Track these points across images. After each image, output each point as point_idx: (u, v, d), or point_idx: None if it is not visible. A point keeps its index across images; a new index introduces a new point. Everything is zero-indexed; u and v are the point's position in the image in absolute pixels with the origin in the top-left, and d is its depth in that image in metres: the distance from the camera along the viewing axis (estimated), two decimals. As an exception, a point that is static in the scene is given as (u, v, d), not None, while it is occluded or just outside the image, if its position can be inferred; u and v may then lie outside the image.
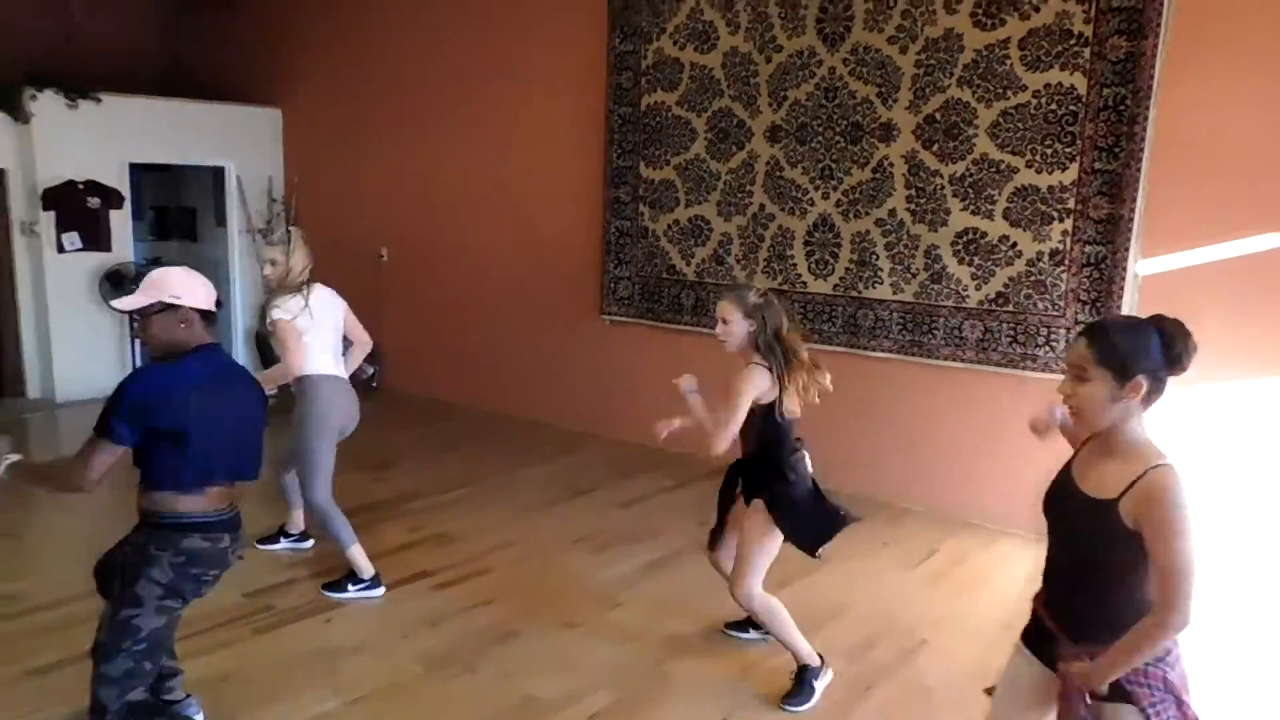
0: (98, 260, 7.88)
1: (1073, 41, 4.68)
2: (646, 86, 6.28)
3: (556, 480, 5.94)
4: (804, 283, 5.72)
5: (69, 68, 7.87)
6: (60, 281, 7.65)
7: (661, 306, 6.43)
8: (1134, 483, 1.93)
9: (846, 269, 5.55)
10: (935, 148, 5.15)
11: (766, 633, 3.65)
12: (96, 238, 7.85)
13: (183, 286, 2.73)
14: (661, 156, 6.27)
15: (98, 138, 7.73)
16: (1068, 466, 2.17)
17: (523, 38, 6.97)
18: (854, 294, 5.54)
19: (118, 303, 2.79)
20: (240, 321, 9.12)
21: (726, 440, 3.22)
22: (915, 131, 5.20)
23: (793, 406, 3.30)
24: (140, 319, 2.73)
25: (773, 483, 3.34)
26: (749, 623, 3.82)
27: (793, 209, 5.71)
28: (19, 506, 5.38)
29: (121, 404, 2.58)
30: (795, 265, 5.75)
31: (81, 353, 7.81)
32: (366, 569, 4.27)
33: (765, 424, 3.31)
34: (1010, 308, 5.00)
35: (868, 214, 5.43)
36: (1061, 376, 2.09)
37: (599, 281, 6.75)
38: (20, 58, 7.73)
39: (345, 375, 4.39)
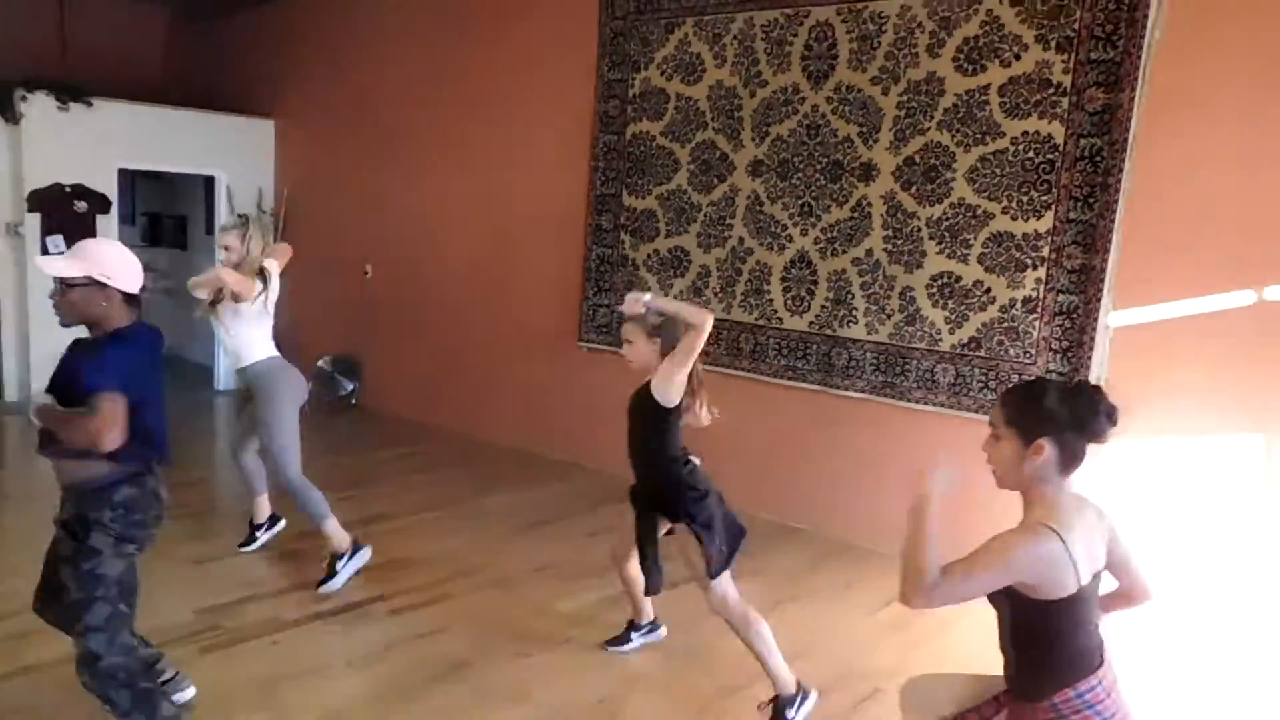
0: (82, 265, 7.86)
1: (1051, 90, 4.69)
2: (633, 115, 6.29)
3: (527, 508, 5.90)
4: (780, 319, 5.71)
5: (67, 74, 7.89)
6: (42, 284, 7.61)
7: (640, 335, 6.41)
8: None
9: (823, 307, 5.54)
10: (914, 189, 5.15)
11: (649, 631, 3.97)
12: (80, 240, 7.84)
13: (115, 266, 2.77)
14: (644, 185, 6.27)
15: (88, 142, 7.76)
16: None
17: (515, 61, 7.00)
18: (829, 332, 5.53)
19: (44, 263, 2.75)
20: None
21: (689, 344, 3.24)
22: (895, 172, 5.21)
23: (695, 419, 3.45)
24: (63, 286, 2.73)
25: (688, 504, 3.37)
26: (630, 630, 3.99)
27: (771, 244, 5.71)
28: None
29: (122, 363, 2.71)
30: (772, 301, 5.74)
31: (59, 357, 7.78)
32: (344, 540, 4.45)
33: (666, 435, 3.39)
34: (983, 353, 4.99)
35: (845, 252, 5.43)
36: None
37: (578, 308, 6.74)
38: (15, 61, 7.75)
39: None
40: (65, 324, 2.83)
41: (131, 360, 2.77)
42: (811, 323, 5.60)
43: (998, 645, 2.24)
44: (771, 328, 5.75)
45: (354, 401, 8.46)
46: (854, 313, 5.42)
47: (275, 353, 4.59)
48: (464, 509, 5.84)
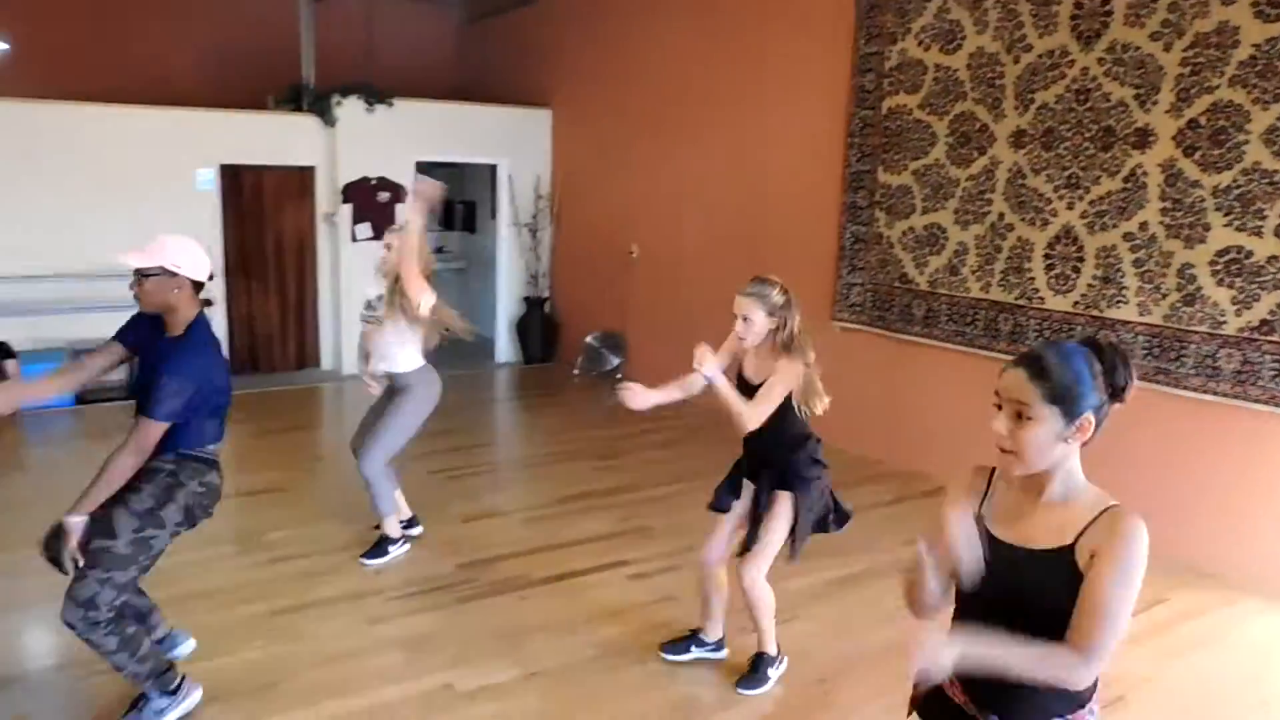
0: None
1: (1372, 36, 4.06)
2: (889, 89, 6.11)
3: (769, 484, 5.95)
4: (1041, 298, 5.36)
5: (373, 78, 8.82)
6: (352, 266, 8.61)
7: (892, 315, 6.26)
8: (1093, 521, 1.74)
9: (1089, 285, 5.14)
10: (1198, 155, 4.64)
11: (714, 649, 3.76)
12: (384, 228, 8.76)
13: (183, 257, 3.00)
14: (900, 161, 6.08)
15: (389, 138, 8.63)
16: (978, 514, 1.88)
17: (770, 40, 7.00)
18: (1095, 313, 5.12)
19: (124, 257, 2.97)
20: (503, 310, 9.82)
21: (758, 422, 3.23)
22: (1175, 137, 4.72)
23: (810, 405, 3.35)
24: (138, 277, 2.98)
25: (801, 473, 3.37)
26: (692, 640, 3.79)
27: (1034, 219, 5.36)
28: (288, 465, 6.18)
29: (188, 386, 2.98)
30: (1033, 279, 5.39)
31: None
32: (396, 531, 4.69)
33: (789, 417, 3.33)
34: (1276, 337, 4.43)
35: (1115, 227, 5.00)
36: None
37: (832, 287, 6.67)
38: (332, 71, 8.76)
39: None
40: (144, 310, 3.07)
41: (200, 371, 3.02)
42: (1076, 303, 5.21)
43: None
44: (1032, 308, 5.41)
45: (619, 376, 8.86)
46: (1124, 292, 4.99)
47: (423, 361, 4.60)
48: (707, 483, 5.95)
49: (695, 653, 3.78)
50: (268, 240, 8.63)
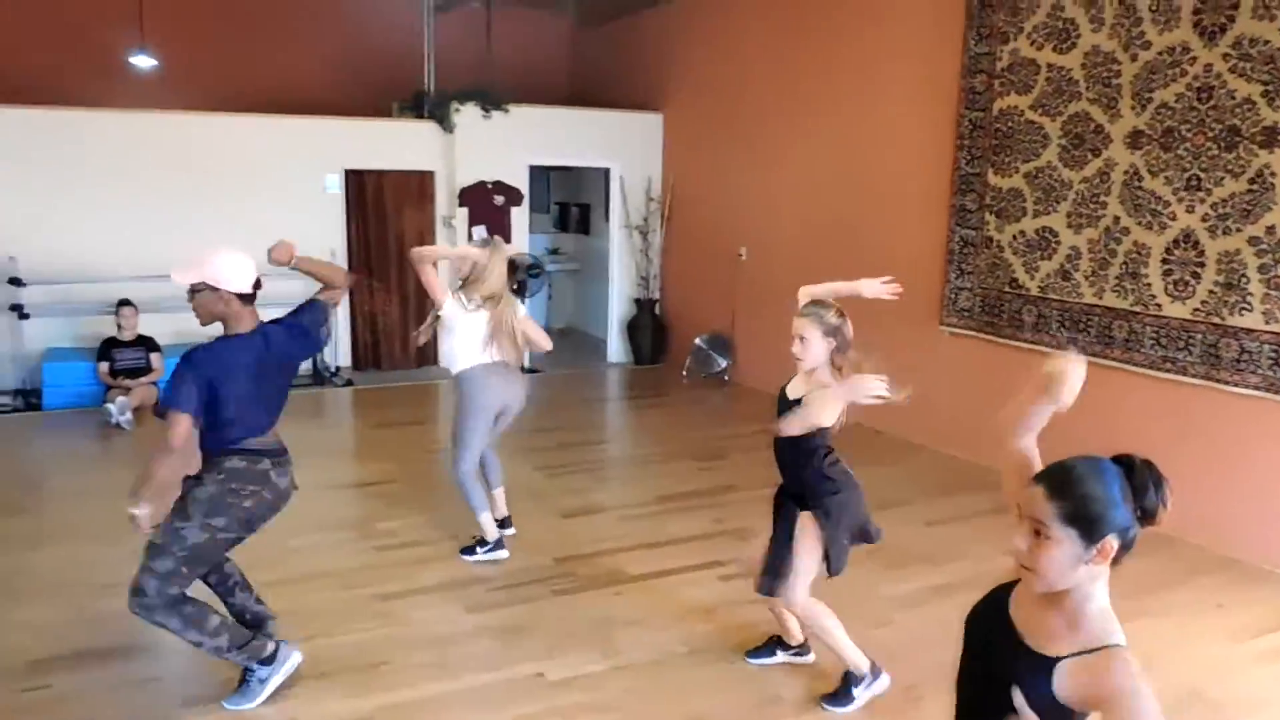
0: (499, 251, 9.08)
1: None
2: (1000, 90, 5.98)
3: (870, 489, 5.85)
4: (1158, 304, 5.17)
5: (490, 85, 9.10)
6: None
7: (1002, 321, 6.13)
8: (1083, 654, 1.63)
9: (1210, 292, 4.93)
10: (1330, 156, 4.41)
11: (797, 652, 3.75)
12: (499, 231, 9.04)
13: (222, 272, 3.13)
14: (1011, 163, 5.95)
15: (505, 143, 8.90)
16: (1005, 590, 1.84)
17: (879, 40, 6.95)
18: (1216, 320, 4.91)
19: (173, 273, 3.18)
20: (615, 311, 9.99)
21: (785, 430, 3.25)
22: (1306, 137, 4.50)
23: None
24: (190, 293, 3.16)
25: (824, 494, 3.35)
26: (776, 644, 3.80)
27: (1151, 223, 5.17)
28: (403, 458, 6.45)
29: (200, 379, 3.11)
30: (1149, 285, 5.20)
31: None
32: (492, 533, 4.73)
33: (815, 440, 3.33)
34: None
35: (1239, 230, 4.78)
36: None
37: (940, 291, 6.57)
38: (451, 78, 9.09)
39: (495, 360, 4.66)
40: (202, 324, 3.23)
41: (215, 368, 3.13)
42: (1196, 310, 5.00)
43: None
44: (1148, 315, 5.22)
45: (726, 378, 8.92)
46: (1248, 299, 4.76)
47: (481, 360, 4.62)
48: (809, 487, 5.98)
49: (780, 656, 3.81)
50: (389, 242, 9.01)
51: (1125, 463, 1.67)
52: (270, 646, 3.40)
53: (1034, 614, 1.74)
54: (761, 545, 3.69)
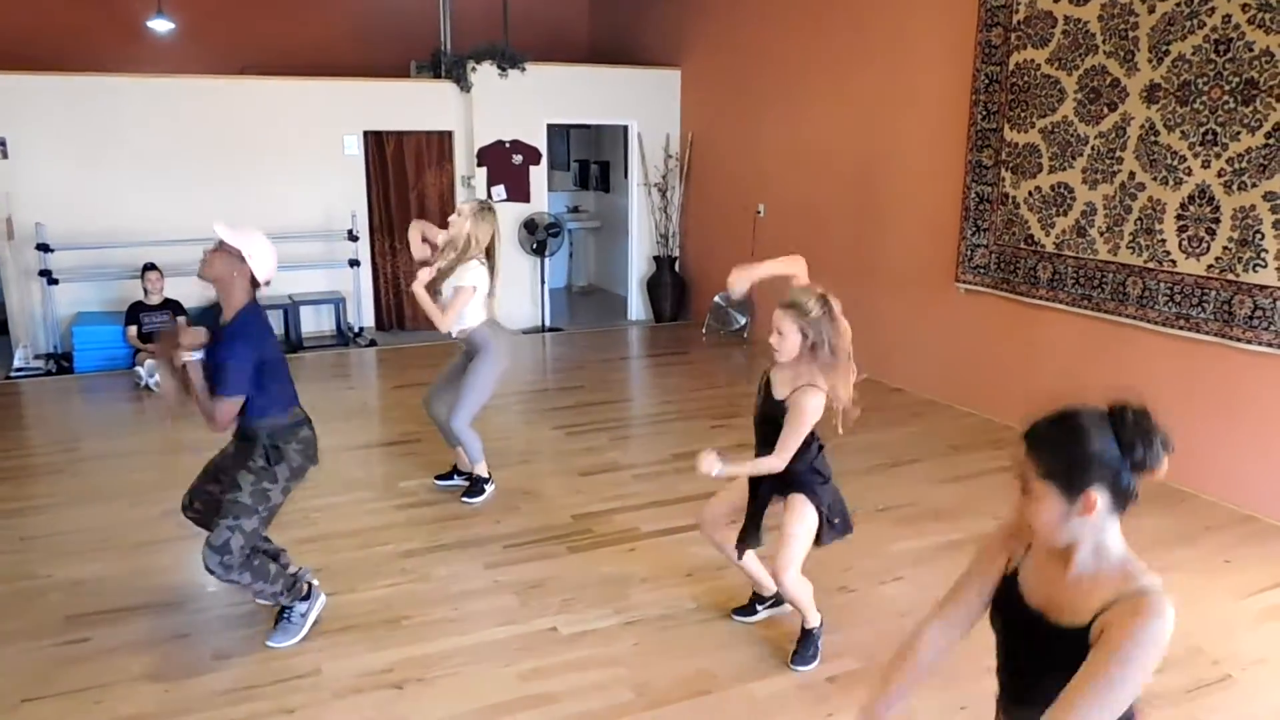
0: (518, 210, 9.13)
1: None
2: (1016, 43, 5.92)
3: (884, 447, 5.96)
4: (1173, 261, 5.15)
5: (507, 44, 9.09)
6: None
7: (1017, 278, 6.12)
8: (1114, 603, 1.59)
9: (1224, 248, 4.90)
10: (1348, 110, 4.35)
11: (773, 605, 3.86)
12: (519, 190, 9.09)
13: (259, 251, 3.39)
14: (1027, 119, 5.90)
15: (523, 102, 8.90)
16: (1013, 571, 1.82)
17: (897, -5, 6.87)
18: (1231, 277, 4.89)
19: (219, 227, 3.38)
20: (635, 269, 10.02)
21: (785, 462, 3.32)
22: (1324, 91, 4.44)
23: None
24: (217, 245, 3.36)
25: (808, 481, 3.40)
26: (755, 602, 3.90)
27: (1167, 178, 5.14)
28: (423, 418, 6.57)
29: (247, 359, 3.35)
30: (1164, 241, 5.18)
31: (502, 291, 9.15)
32: (486, 471, 5.07)
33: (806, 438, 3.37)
34: None
35: (1255, 186, 4.74)
36: None
37: (956, 248, 6.56)
38: (468, 37, 9.08)
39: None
40: (201, 277, 3.41)
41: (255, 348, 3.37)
42: (1210, 266, 4.98)
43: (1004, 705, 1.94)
44: (1163, 271, 5.21)
45: (745, 335, 8.96)
46: (1263, 255, 4.74)
47: (485, 317, 4.88)
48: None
49: (762, 612, 3.90)
50: (410, 202, 9.08)
51: (1117, 413, 1.61)
52: (305, 585, 3.72)
53: (1050, 587, 1.71)
54: (721, 502, 3.73)
